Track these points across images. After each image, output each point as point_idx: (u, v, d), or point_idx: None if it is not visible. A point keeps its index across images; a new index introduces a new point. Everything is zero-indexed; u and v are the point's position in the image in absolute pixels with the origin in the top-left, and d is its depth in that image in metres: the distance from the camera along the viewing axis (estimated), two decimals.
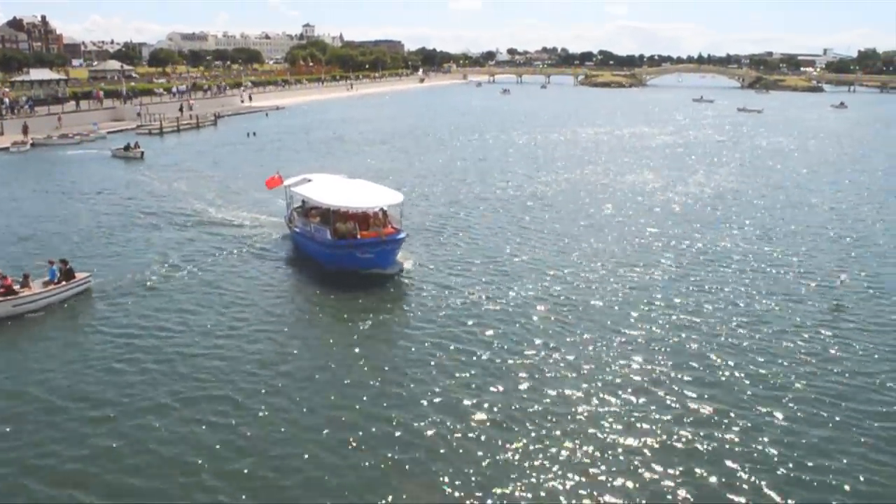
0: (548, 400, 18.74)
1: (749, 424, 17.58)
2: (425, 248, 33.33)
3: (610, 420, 17.76)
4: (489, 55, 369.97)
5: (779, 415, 18.04)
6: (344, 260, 29.47)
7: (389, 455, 16.19)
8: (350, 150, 68.03)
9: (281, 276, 29.71)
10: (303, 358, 21.45)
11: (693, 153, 69.88)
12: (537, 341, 22.59)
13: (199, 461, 16.02)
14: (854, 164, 64.03)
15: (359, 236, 29.60)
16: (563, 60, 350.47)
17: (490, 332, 23.20)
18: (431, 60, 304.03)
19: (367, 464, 15.93)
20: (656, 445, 16.69)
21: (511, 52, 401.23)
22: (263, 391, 19.12)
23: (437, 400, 18.70)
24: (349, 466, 15.84)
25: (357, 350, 22.01)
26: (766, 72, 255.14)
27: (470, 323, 24.08)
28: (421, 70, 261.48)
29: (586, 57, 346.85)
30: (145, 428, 17.31)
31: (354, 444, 16.64)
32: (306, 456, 16.26)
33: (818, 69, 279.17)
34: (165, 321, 24.04)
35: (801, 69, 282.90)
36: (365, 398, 18.82)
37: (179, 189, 46.97)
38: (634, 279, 28.85)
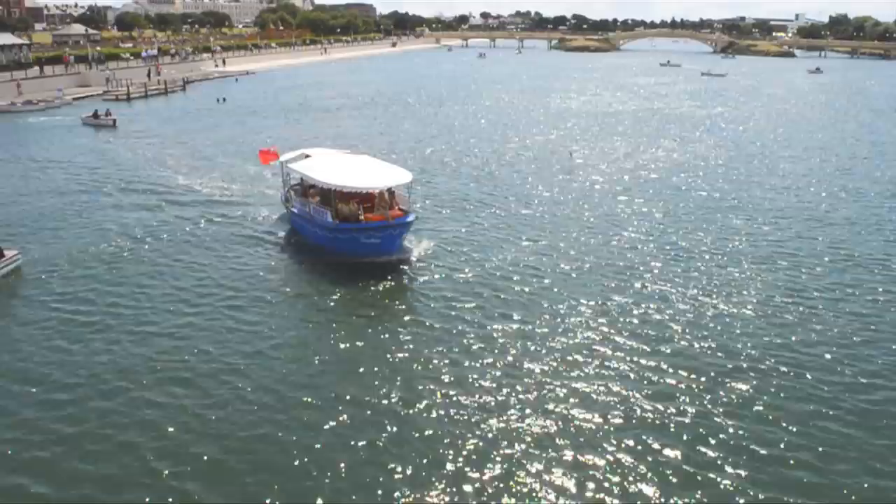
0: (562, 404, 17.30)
1: (722, 397, 17.72)
2: (433, 231, 30.98)
3: (649, 429, 16.31)
4: (462, 19, 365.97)
5: (743, 387, 18.28)
6: (346, 245, 27.10)
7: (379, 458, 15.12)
8: (323, 117, 67.14)
9: (273, 260, 27.53)
10: (289, 350, 19.95)
11: (648, 121, 69.95)
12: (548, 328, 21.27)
13: (152, 444, 15.49)
14: (806, 130, 64.55)
15: (363, 219, 27.16)
16: (536, 24, 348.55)
17: (510, 329, 21.22)
18: (404, 24, 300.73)
19: (343, 458, 15.27)
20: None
21: (484, 15, 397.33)
22: (248, 385, 17.80)
23: (453, 412, 16.83)
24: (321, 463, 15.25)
25: (355, 347, 20.18)
26: (738, 37, 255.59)
27: (488, 319, 21.94)
28: (393, 34, 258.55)
29: (560, 21, 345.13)
30: (96, 411, 16.66)
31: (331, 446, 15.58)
32: (265, 442, 15.63)
33: (790, 34, 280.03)
34: (131, 303, 22.67)
35: (774, 34, 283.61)
36: (359, 400, 17.21)
37: (156, 159, 45.68)
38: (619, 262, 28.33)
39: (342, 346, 20.29)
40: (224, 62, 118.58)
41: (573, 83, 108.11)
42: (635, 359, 19.39)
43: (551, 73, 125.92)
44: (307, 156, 31.93)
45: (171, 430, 15.93)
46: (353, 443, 15.51)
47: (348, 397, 17.24)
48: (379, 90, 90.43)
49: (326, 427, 16.05)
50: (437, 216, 33.18)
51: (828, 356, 19.76)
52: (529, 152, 50.33)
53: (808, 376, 18.70)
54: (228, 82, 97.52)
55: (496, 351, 19.86)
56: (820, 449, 15.64)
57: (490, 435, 15.91)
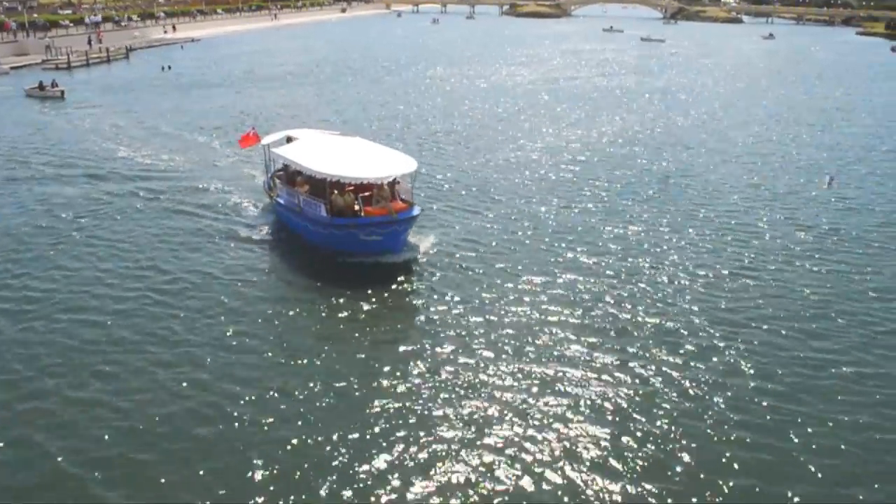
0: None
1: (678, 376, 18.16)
2: (436, 221, 28.64)
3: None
4: None
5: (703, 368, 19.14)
6: (343, 242, 24.35)
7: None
8: (272, 86, 66.35)
9: (258, 260, 24.96)
10: (279, 371, 17.92)
11: (582, 89, 70.81)
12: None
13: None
14: (730, 97, 66.10)
15: (362, 213, 24.42)
16: None
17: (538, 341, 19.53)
18: None
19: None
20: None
21: None
22: (232, 406, 16.28)
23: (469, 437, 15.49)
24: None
25: (363, 366, 18.16)
26: (688, 3, 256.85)
27: (506, 324, 20.41)
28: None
29: None
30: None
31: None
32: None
33: (738, 0, 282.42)
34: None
35: (723, 0, 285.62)
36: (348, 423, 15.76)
37: (110, 134, 43.76)
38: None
39: (348, 368, 18.12)
40: (174, 28, 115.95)
41: (516, 50, 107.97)
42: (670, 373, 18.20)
43: (499, 40, 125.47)
44: (291, 138, 29.50)
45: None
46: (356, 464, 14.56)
47: (357, 426, 15.75)
48: (327, 58, 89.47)
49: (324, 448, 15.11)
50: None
51: (776, 327, 20.61)
52: (469, 125, 50.76)
53: (757, 347, 19.50)
54: (173, 50, 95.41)
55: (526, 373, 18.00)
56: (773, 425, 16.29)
57: (508, 451, 15.08)
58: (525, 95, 63.63)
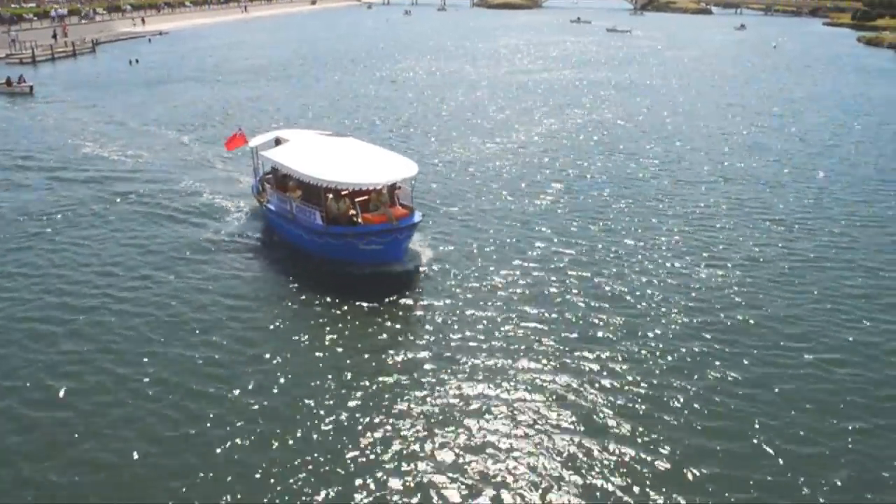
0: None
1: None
2: (436, 227, 27.33)
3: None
4: None
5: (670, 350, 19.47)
6: (341, 251, 23.19)
7: None
8: (243, 80, 65.50)
9: (249, 269, 23.69)
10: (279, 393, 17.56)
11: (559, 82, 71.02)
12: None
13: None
14: (720, 87, 66.62)
15: (360, 220, 23.25)
16: None
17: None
18: None
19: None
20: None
21: None
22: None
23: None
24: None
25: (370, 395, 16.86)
26: None
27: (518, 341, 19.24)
28: None
29: None
30: None
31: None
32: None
33: None
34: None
35: None
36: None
37: (83, 132, 42.76)
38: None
39: (347, 388, 17.20)
40: (143, 21, 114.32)
41: (485, 43, 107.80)
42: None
43: (469, 32, 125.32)
44: (279, 140, 28.10)
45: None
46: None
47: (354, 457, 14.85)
48: (298, 51, 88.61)
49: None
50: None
51: (739, 317, 20.90)
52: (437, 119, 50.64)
53: (718, 334, 19.86)
54: (141, 43, 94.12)
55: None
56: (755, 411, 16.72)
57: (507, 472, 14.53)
58: (492, 88, 63.47)
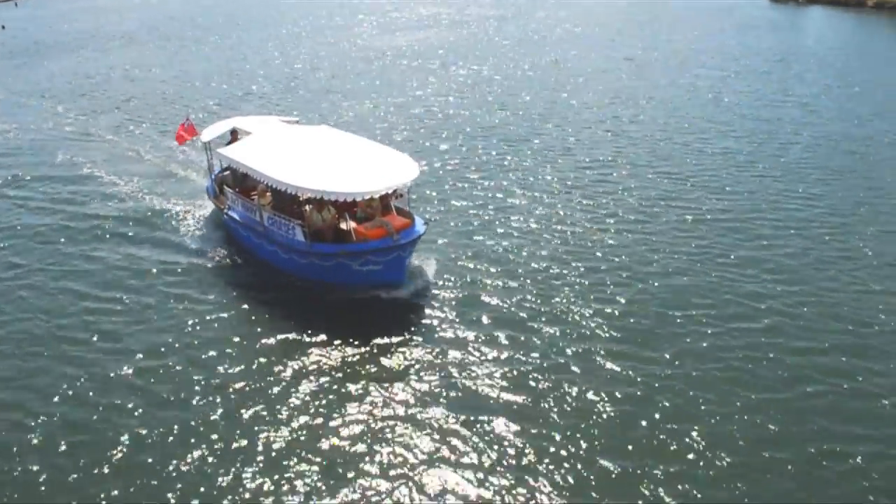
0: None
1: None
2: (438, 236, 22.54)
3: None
4: None
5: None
6: (329, 274, 19.01)
7: None
8: (119, 45, 60.32)
9: (208, 294, 19.48)
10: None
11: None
12: None
13: None
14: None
15: (352, 233, 18.89)
16: None
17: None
18: None
19: None
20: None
21: None
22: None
23: None
24: None
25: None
26: None
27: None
28: None
29: None
30: None
31: None
32: None
33: None
34: None
35: None
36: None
37: None
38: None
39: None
40: None
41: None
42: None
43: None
44: (238, 132, 23.52)
45: None
46: None
47: None
48: (174, 13, 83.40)
49: None
50: None
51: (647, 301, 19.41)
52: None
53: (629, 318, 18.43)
54: (6, 7, 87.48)
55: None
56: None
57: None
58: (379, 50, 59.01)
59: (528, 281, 20.14)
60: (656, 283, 20.07)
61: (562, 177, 28.13)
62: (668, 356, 16.86)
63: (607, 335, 17.69)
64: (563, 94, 41.79)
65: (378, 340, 17.18)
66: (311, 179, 18.74)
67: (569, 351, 17.04)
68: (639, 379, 16.06)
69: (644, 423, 14.73)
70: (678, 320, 18.26)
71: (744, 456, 13.83)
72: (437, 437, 14.28)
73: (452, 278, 20.11)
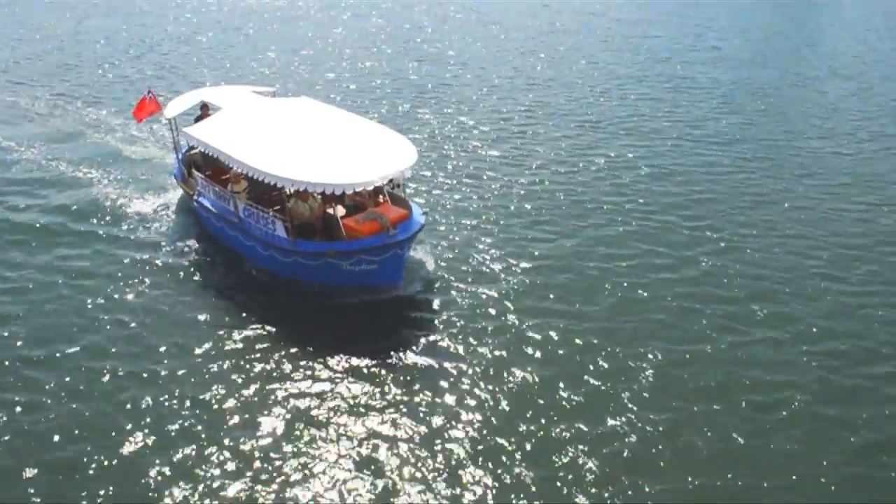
0: None
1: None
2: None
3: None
4: None
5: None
6: (315, 274, 16.56)
7: None
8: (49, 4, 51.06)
9: (177, 293, 16.83)
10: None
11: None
12: None
13: None
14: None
15: (342, 229, 16.33)
16: None
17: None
18: None
19: None
20: None
21: None
22: None
23: None
24: None
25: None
26: None
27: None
28: None
29: None
30: None
31: None
32: None
33: None
34: None
35: None
36: None
37: None
38: None
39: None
40: None
41: None
42: None
43: None
44: (207, 107, 20.32)
45: None
46: None
47: None
48: None
49: None
50: None
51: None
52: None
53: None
54: None
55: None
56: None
57: None
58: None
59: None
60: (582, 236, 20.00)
61: (476, 124, 28.02)
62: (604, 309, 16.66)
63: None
64: (479, 44, 41.31)
65: (372, 346, 15.09)
66: (293, 168, 15.91)
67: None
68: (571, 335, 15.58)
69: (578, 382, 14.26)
70: (599, 272, 18.09)
71: (677, 411, 13.56)
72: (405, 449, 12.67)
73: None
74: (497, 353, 15.04)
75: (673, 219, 21.00)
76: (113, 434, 12.83)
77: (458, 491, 11.85)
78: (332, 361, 14.58)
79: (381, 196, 17.40)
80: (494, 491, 11.87)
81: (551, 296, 17.12)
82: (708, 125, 28.72)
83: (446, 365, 14.57)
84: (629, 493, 11.87)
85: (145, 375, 14.25)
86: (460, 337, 15.48)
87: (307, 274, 16.80)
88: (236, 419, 13.20)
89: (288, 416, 13.23)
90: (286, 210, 16.62)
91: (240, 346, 15.10)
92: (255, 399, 13.63)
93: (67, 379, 14.10)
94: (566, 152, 25.69)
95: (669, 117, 29.40)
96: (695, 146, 26.53)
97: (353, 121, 18.77)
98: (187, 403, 13.53)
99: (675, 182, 23.58)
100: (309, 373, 14.32)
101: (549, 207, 21.56)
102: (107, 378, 14.16)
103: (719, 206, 21.89)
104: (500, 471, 12.25)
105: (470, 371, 14.44)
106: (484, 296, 16.96)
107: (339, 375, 14.23)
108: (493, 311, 16.40)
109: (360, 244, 16.03)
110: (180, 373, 14.34)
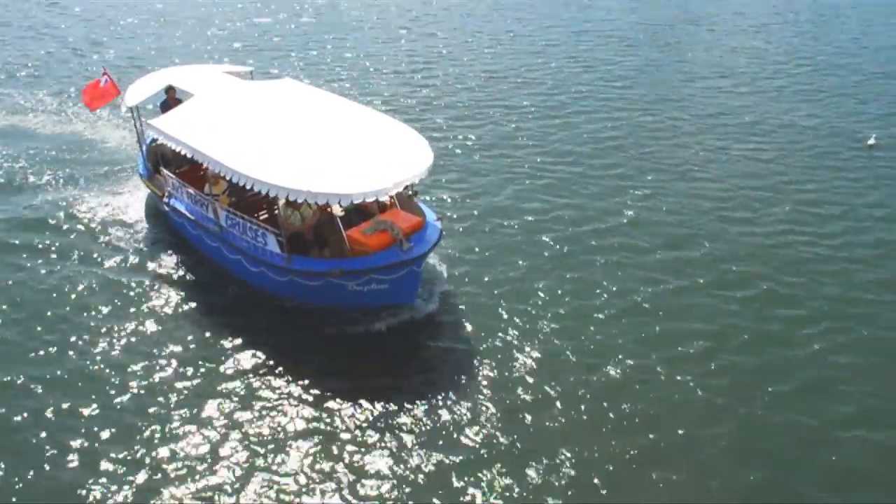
0: None
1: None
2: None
3: None
4: None
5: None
6: (315, 295, 13.83)
7: None
8: None
9: (140, 318, 13.97)
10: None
11: None
12: None
13: None
14: None
15: (346, 243, 13.36)
16: None
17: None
18: None
19: None
20: None
21: None
22: None
23: None
24: None
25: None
26: None
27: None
28: None
29: None
30: None
31: None
32: None
33: None
34: None
35: None
36: None
37: None
38: None
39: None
40: None
41: None
42: None
43: None
44: (173, 91, 17.36)
45: None
46: None
47: None
48: None
49: None
50: None
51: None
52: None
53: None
54: None
55: None
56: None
57: None
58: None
59: None
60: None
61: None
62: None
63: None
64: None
65: (374, 374, 12.78)
66: (288, 173, 12.85)
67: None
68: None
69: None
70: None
71: (598, 370, 12.83)
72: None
73: None
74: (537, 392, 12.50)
75: (580, 169, 20.47)
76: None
77: None
78: (336, 400, 12.11)
79: (388, 197, 14.27)
80: None
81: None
82: (610, 69, 28.69)
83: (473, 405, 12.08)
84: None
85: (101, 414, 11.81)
86: (494, 367, 12.89)
87: (305, 295, 14.00)
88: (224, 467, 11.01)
89: (281, 459, 11.13)
90: (280, 222, 13.81)
91: (231, 383, 12.53)
92: (247, 438, 11.49)
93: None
94: (464, 106, 24.88)
95: (569, 65, 29.22)
96: (594, 90, 26.32)
97: (350, 108, 15.61)
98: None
99: (580, 130, 23.05)
100: (314, 413, 11.93)
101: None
102: (52, 416, 11.81)
103: (628, 153, 21.49)
104: None
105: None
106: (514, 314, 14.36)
107: (346, 419, 11.78)
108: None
109: (371, 262, 13.13)
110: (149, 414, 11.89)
